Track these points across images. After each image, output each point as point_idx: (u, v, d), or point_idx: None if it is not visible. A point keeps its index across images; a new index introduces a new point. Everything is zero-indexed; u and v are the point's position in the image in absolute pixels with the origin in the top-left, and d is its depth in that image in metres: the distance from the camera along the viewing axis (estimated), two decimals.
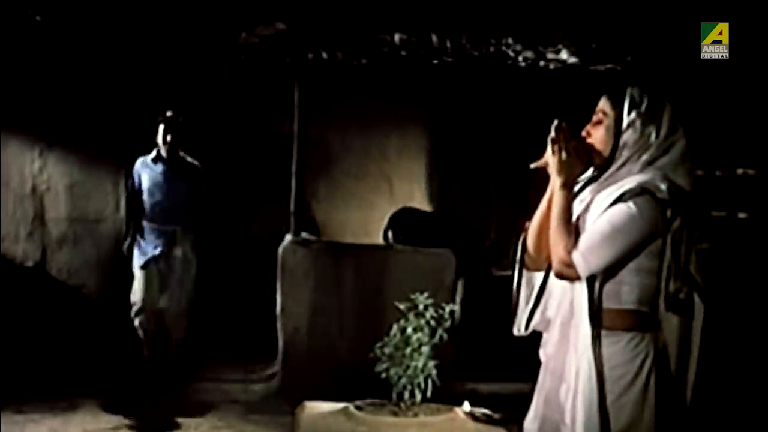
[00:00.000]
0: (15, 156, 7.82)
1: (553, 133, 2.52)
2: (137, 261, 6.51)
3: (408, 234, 7.63)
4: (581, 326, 2.46)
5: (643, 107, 2.49)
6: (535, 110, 8.11)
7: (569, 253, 2.43)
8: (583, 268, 2.42)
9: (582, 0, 5.70)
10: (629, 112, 2.50)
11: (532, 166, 2.62)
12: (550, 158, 2.53)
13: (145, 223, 6.53)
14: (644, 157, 2.48)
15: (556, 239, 2.47)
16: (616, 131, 2.50)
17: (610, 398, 2.45)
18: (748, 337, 6.50)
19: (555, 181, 2.53)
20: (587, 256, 2.41)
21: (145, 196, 6.54)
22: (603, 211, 2.44)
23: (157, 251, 6.47)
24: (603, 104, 2.56)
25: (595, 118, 2.57)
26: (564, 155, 2.50)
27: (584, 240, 2.43)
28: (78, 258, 8.01)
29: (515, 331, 2.70)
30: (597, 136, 2.55)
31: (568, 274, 2.45)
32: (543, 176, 2.64)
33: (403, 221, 8.02)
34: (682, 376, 2.50)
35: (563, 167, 2.50)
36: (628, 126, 2.49)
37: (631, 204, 2.41)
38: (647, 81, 2.69)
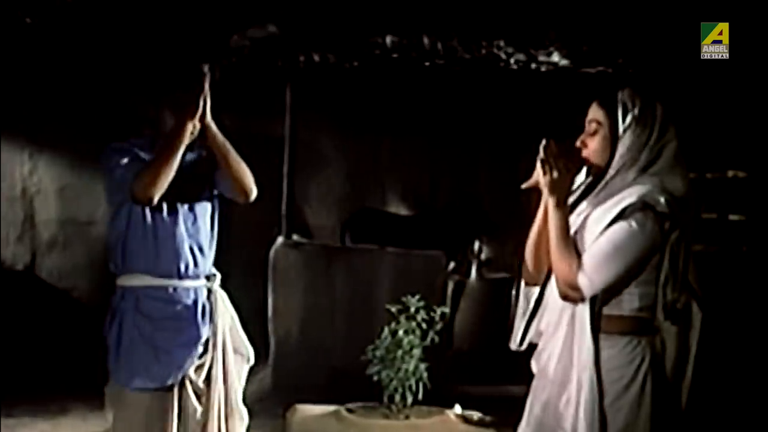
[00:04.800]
0: (5, 158, 7.79)
1: (541, 153, 2.49)
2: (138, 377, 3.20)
3: (367, 235, 7.64)
4: (583, 338, 2.46)
5: (636, 111, 2.47)
6: (527, 113, 8.14)
7: (575, 274, 2.41)
8: (588, 289, 2.41)
9: (573, 2, 5.70)
10: (624, 119, 2.48)
11: (524, 186, 2.58)
12: (541, 178, 2.50)
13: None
14: (639, 163, 2.46)
15: (559, 259, 2.45)
16: (613, 139, 2.49)
17: (606, 401, 2.44)
18: (741, 339, 6.51)
19: (549, 201, 2.50)
20: (592, 277, 2.40)
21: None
22: (604, 228, 2.41)
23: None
24: (595, 113, 2.53)
25: (589, 129, 2.54)
26: (555, 174, 2.47)
27: (588, 261, 2.41)
28: (68, 261, 7.98)
29: (512, 346, 2.69)
30: (593, 146, 2.52)
31: (574, 296, 2.43)
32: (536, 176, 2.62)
33: (362, 222, 8.03)
34: (678, 381, 2.51)
35: (555, 186, 2.47)
36: (624, 132, 2.47)
37: (632, 221, 2.39)
38: (636, 82, 2.69)
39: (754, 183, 8.03)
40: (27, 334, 7.26)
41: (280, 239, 6.67)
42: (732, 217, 8.15)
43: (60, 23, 6.14)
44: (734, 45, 4.59)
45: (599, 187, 2.52)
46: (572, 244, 2.45)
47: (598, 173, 2.52)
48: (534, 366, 2.64)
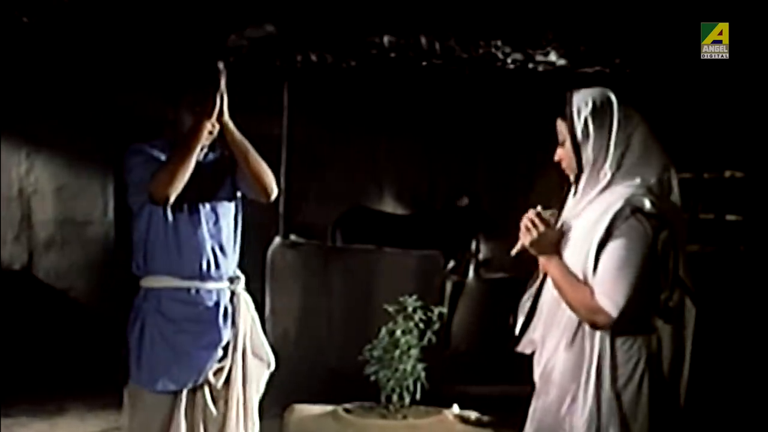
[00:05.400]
0: (2, 158, 7.78)
1: (525, 221, 2.55)
2: (161, 380, 3.15)
3: (359, 234, 7.65)
4: (595, 345, 2.46)
5: (589, 108, 2.50)
6: (524, 113, 8.14)
7: (593, 299, 2.41)
8: (613, 307, 2.39)
9: (571, 2, 5.70)
10: (578, 117, 2.50)
11: (513, 252, 2.65)
12: (525, 240, 2.56)
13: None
14: (609, 159, 2.47)
15: (573, 297, 2.46)
16: (573, 141, 2.52)
17: None
18: (738, 339, 6.52)
19: (540, 259, 2.57)
20: (611, 295, 2.40)
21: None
22: (600, 241, 2.41)
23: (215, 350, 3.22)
24: (559, 126, 2.58)
25: (560, 140, 2.59)
26: (535, 234, 2.53)
27: (601, 283, 2.41)
28: (65, 261, 7.97)
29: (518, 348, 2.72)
30: (566, 157, 2.58)
31: (602, 320, 2.42)
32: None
33: (353, 221, 8.04)
34: (675, 378, 2.51)
35: (540, 246, 2.54)
36: (583, 133, 2.50)
37: (627, 231, 2.40)
38: (590, 81, 2.72)
39: (752, 183, 8.03)
40: (24, 334, 7.25)
41: (277, 239, 6.66)
42: (729, 217, 8.15)
43: (56, 23, 6.13)
44: (734, 45, 4.58)
45: (578, 192, 2.54)
46: (576, 280, 2.46)
47: (577, 180, 2.56)
48: (536, 373, 2.64)
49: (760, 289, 6.93)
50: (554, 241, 2.54)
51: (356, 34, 6.36)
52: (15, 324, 7.23)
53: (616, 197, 2.43)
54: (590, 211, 2.48)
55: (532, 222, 2.53)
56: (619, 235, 2.40)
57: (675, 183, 2.50)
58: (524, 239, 2.56)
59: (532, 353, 2.67)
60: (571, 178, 2.58)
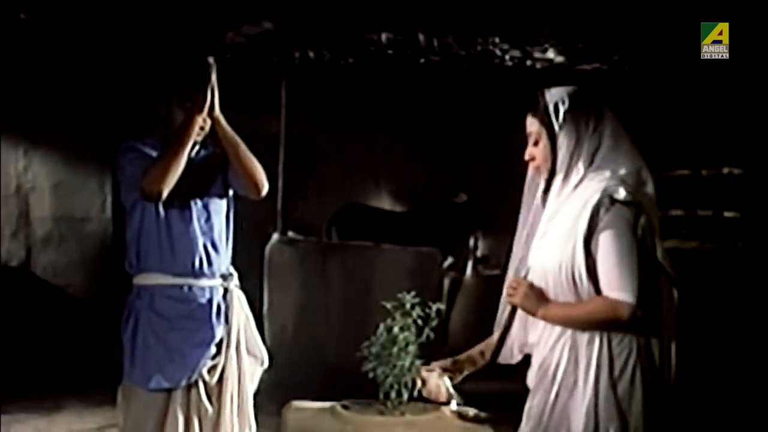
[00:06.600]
0: (0, 155, 7.78)
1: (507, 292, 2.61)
2: (152, 378, 3.15)
3: (354, 231, 7.65)
4: (592, 343, 2.46)
5: (567, 103, 2.52)
6: (521, 110, 8.15)
7: (604, 299, 2.41)
8: (627, 296, 2.38)
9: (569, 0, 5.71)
10: (556, 117, 2.51)
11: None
12: (513, 302, 2.61)
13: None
14: (583, 154, 2.48)
15: (587, 313, 2.45)
16: (552, 141, 2.52)
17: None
18: (737, 335, 6.53)
19: (538, 313, 2.56)
20: (623, 286, 2.39)
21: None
22: (585, 236, 2.40)
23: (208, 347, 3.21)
24: (530, 125, 2.59)
25: (531, 140, 2.60)
26: (518, 295, 2.56)
27: (608, 282, 2.41)
28: (63, 257, 7.97)
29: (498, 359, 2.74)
30: (540, 155, 2.58)
31: (625, 312, 2.39)
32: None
33: (349, 218, 8.04)
34: (666, 367, 2.51)
35: (523, 307, 2.57)
36: (561, 129, 2.51)
37: (612, 221, 2.40)
38: (588, 78, 2.73)
39: (750, 180, 8.04)
40: (22, 330, 7.25)
41: (275, 236, 6.66)
42: (727, 213, 8.16)
43: (55, 20, 6.12)
44: (734, 45, 4.58)
45: (554, 190, 2.54)
46: (579, 303, 2.46)
47: (550, 178, 2.56)
48: (531, 373, 2.64)
49: (758, 285, 6.94)
50: (532, 290, 2.54)
51: (354, 31, 6.36)
52: (12, 321, 7.23)
53: (591, 191, 2.44)
54: (568, 207, 2.48)
55: (510, 287, 2.58)
56: (605, 227, 2.41)
57: (647, 175, 2.50)
58: (512, 302, 2.60)
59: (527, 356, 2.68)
60: (543, 177, 2.58)
